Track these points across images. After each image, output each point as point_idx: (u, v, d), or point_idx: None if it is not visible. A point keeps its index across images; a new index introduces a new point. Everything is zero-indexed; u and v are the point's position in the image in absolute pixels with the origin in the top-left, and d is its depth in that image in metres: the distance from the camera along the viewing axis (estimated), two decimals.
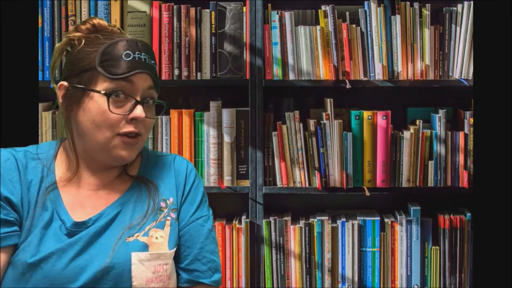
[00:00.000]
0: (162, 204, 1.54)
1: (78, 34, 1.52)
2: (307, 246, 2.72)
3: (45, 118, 2.70)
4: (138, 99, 1.48)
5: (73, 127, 1.51)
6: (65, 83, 1.50)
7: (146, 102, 1.50)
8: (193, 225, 1.56)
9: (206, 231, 1.57)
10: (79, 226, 1.48)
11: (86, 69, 1.47)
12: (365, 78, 2.68)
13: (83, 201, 1.51)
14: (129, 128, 1.47)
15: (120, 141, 1.47)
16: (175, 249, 1.53)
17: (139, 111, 1.47)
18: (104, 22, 1.54)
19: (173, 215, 1.55)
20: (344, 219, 2.73)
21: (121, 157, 1.48)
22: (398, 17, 2.67)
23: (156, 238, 1.50)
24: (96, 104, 1.46)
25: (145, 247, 1.48)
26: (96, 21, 1.53)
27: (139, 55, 1.49)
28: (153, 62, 1.52)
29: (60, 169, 1.53)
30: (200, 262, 1.55)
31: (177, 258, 1.55)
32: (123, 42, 1.49)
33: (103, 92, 1.46)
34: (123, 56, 1.47)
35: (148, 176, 1.57)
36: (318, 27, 2.67)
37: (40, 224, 1.47)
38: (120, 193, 1.53)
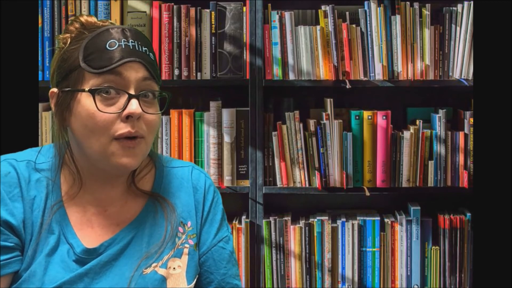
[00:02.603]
0: (180, 229, 1.40)
1: (66, 35, 1.34)
2: (307, 246, 2.71)
3: (45, 118, 2.70)
4: (132, 92, 1.28)
5: (70, 137, 1.34)
6: (55, 90, 1.33)
7: (144, 96, 1.30)
8: (215, 249, 1.44)
9: (228, 254, 1.46)
10: (90, 253, 1.33)
11: (71, 69, 1.30)
12: (365, 78, 2.68)
13: (91, 219, 1.35)
14: (126, 129, 1.27)
15: (119, 146, 1.28)
16: (194, 282, 1.41)
17: (134, 106, 1.27)
18: (93, 18, 1.35)
19: (191, 242, 1.41)
20: (344, 219, 2.73)
21: (122, 165, 1.28)
22: (398, 17, 2.67)
23: (174, 268, 1.38)
24: (85, 106, 1.28)
25: (163, 281, 1.36)
26: (83, 18, 1.35)
27: (126, 42, 1.29)
28: (146, 49, 1.32)
29: (66, 182, 1.36)
30: None
31: (198, 284, 1.45)
32: (107, 31, 1.30)
33: (87, 89, 1.27)
34: (107, 46, 1.28)
35: (164, 192, 1.41)
36: (318, 27, 2.67)
37: (45, 250, 1.31)
38: (133, 212, 1.38)
